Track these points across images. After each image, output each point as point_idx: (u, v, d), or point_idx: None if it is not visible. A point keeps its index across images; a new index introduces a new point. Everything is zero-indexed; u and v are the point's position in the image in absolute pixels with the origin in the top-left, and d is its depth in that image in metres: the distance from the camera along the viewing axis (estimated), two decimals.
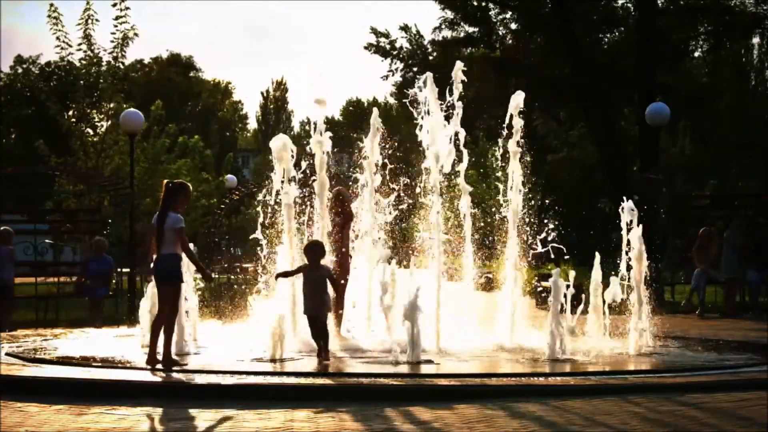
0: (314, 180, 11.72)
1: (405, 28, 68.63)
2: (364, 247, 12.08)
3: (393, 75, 67.77)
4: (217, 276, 24.36)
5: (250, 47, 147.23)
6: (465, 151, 11.96)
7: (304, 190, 11.64)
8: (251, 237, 11.88)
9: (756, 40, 44.31)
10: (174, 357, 9.51)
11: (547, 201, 11.79)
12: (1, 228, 17.52)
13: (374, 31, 66.06)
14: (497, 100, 49.31)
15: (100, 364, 9.76)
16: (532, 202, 12.17)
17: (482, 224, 12.55)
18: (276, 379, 8.67)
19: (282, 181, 11.42)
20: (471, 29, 42.33)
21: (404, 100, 13.41)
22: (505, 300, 11.85)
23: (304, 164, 11.63)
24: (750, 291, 18.95)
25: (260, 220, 11.64)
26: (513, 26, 38.54)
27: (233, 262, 28.29)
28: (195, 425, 6.94)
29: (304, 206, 11.69)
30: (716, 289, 19.20)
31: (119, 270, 19.91)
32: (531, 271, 22.62)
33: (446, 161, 11.65)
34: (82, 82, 26.44)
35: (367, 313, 12.04)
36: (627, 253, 11.20)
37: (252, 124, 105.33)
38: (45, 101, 27.83)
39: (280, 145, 11.62)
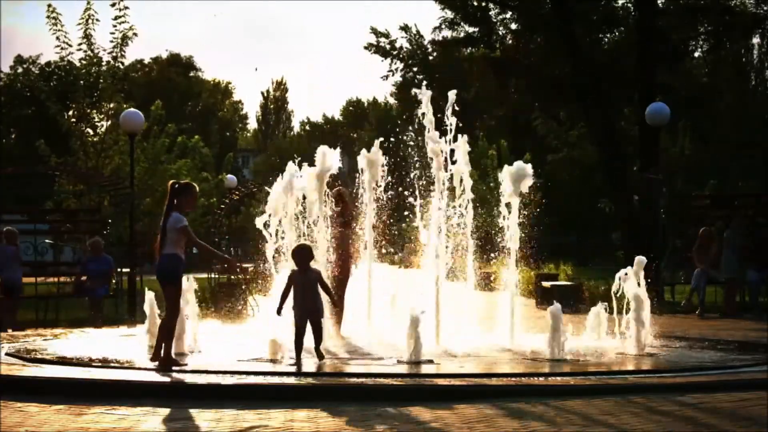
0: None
1: (405, 28, 68.73)
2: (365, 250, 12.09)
3: (393, 75, 67.83)
4: (216, 276, 24.43)
5: (250, 47, 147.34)
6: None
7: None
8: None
9: (756, 40, 44.37)
10: (174, 357, 9.51)
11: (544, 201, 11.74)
12: (6, 228, 17.59)
13: (374, 31, 66.17)
14: (497, 100, 49.47)
15: (100, 364, 9.75)
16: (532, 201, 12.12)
17: (483, 224, 12.55)
18: (276, 379, 8.67)
19: None
20: (471, 29, 42.30)
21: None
22: (505, 300, 11.85)
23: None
24: (750, 291, 18.95)
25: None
26: (513, 26, 38.51)
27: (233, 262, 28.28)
28: (195, 425, 6.94)
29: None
30: (716, 289, 19.19)
31: (119, 270, 19.89)
32: (531, 271, 22.68)
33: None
34: (82, 82, 26.44)
35: (367, 313, 12.05)
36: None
37: (252, 124, 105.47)
38: (45, 101, 27.82)
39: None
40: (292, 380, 8.63)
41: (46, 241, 20.90)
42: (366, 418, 7.04)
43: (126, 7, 25.58)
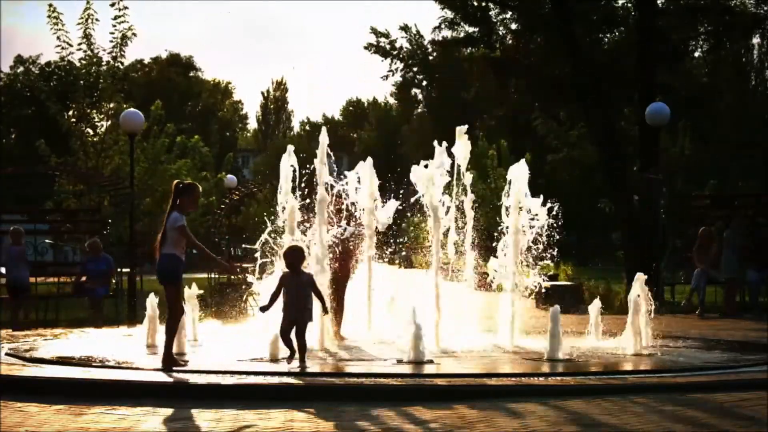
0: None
1: (405, 28, 68.76)
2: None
3: (393, 75, 67.88)
4: (216, 276, 24.43)
5: (250, 47, 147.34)
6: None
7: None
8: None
9: (756, 40, 44.37)
10: (174, 357, 9.51)
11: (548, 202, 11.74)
12: (12, 227, 17.67)
13: (374, 31, 66.20)
14: (497, 100, 49.48)
15: (100, 364, 9.76)
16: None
17: (483, 224, 12.55)
18: (276, 379, 8.66)
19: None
20: (471, 29, 42.27)
21: None
22: (505, 300, 11.85)
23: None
24: (750, 291, 18.95)
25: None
26: (513, 26, 38.48)
27: (233, 262, 28.31)
28: (195, 425, 6.94)
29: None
30: (716, 289, 19.20)
31: (119, 270, 19.90)
32: (531, 271, 22.66)
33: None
34: (82, 82, 26.45)
35: (367, 313, 12.06)
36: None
37: (252, 124, 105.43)
38: (45, 101, 27.83)
39: None
40: (292, 380, 8.62)
41: (46, 241, 20.92)
42: (366, 418, 7.04)
43: (125, 7, 25.62)
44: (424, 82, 69.29)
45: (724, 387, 8.23)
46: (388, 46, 65.24)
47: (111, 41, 25.90)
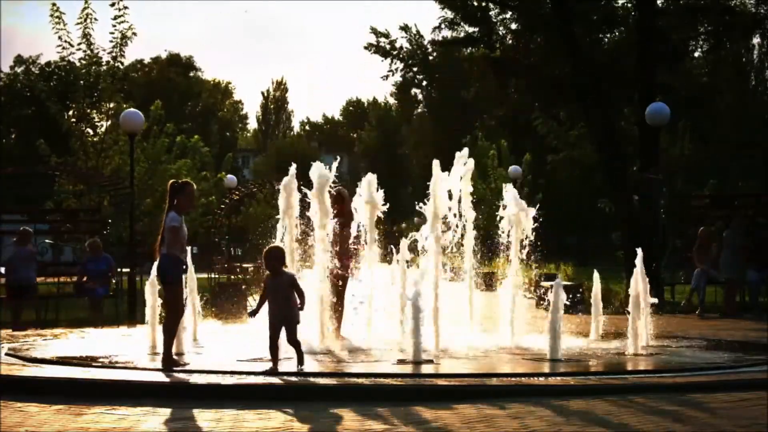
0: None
1: (405, 28, 68.80)
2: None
3: (393, 75, 67.91)
4: (217, 276, 24.43)
5: (250, 47, 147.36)
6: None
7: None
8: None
9: (756, 40, 44.36)
10: (174, 357, 9.51)
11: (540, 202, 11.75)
12: (22, 228, 17.76)
13: (374, 31, 66.27)
14: (497, 100, 49.48)
15: (100, 364, 9.76)
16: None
17: (483, 224, 12.55)
18: (276, 379, 8.66)
19: None
20: (471, 29, 42.34)
21: None
22: (505, 300, 11.85)
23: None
24: (750, 291, 18.95)
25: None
26: (513, 26, 38.51)
27: (233, 262, 28.34)
28: (195, 425, 6.94)
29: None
30: (716, 289, 19.19)
31: (119, 270, 19.90)
32: (531, 271, 22.66)
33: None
34: (82, 82, 26.45)
35: (367, 313, 12.05)
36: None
37: (252, 124, 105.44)
38: (45, 101, 27.84)
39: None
40: (291, 380, 8.62)
41: (46, 241, 20.92)
42: (366, 418, 7.04)
43: (125, 7, 25.63)
44: (424, 82, 69.33)
45: (724, 387, 8.23)
46: (388, 46, 65.30)
47: (111, 41, 25.93)
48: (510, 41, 38.73)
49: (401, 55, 66.34)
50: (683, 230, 21.48)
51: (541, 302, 13.12)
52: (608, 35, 38.99)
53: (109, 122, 27.41)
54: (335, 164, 11.62)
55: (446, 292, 11.57)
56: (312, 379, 8.73)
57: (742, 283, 18.68)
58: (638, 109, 27.23)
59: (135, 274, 19.99)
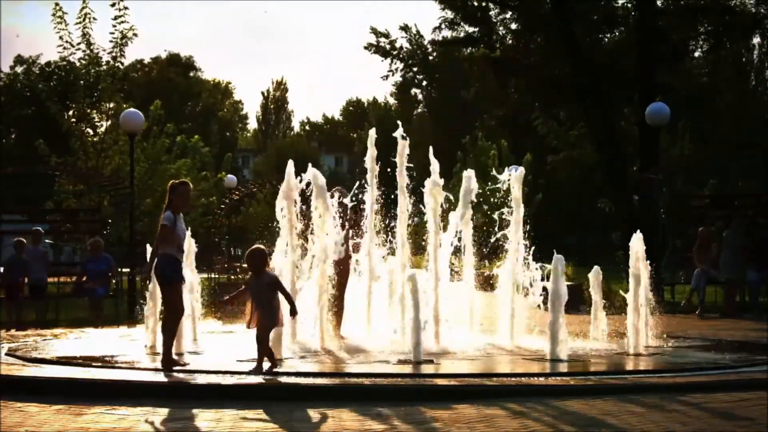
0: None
1: (405, 28, 68.75)
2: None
3: (393, 75, 67.84)
4: (217, 276, 24.43)
5: (250, 47, 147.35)
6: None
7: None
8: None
9: (756, 40, 44.36)
10: (174, 357, 9.51)
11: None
12: (34, 228, 17.88)
13: (374, 31, 66.21)
14: (497, 100, 49.47)
15: (100, 364, 9.77)
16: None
17: (483, 223, 12.54)
18: (276, 379, 8.66)
19: None
20: (471, 29, 42.31)
21: None
22: (504, 300, 11.85)
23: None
24: (750, 291, 18.94)
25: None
26: (513, 26, 38.53)
27: (233, 262, 28.35)
28: (195, 425, 6.94)
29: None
30: (716, 289, 19.19)
31: (119, 270, 19.91)
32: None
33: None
34: (82, 82, 26.46)
35: (367, 313, 12.05)
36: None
37: (252, 124, 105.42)
38: (45, 101, 27.86)
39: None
40: (291, 380, 8.63)
41: (46, 241, 20.92)
42: (366, 418, 7.04)
43: (126, 8, 25.64)
44: (424, 82, 69.34)
45: (724, 387, 8.23)
46: (388, 46, 65.26)
47: (111, 41, 25.94)
48: (510, 41, 38.74)
49: (401, 55, 66.31)
50: (683, 230, 21.48)
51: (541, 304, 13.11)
52: (608, 35, 38.99)
53: (109, 122, 27.43)
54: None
55: (446, 292, 11.58)
56: (312, 379, 8.73)
57: (742, 283, 18.68)
58: (638, 109, 27.24)
59: (135, 274, 20.00)
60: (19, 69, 61.43)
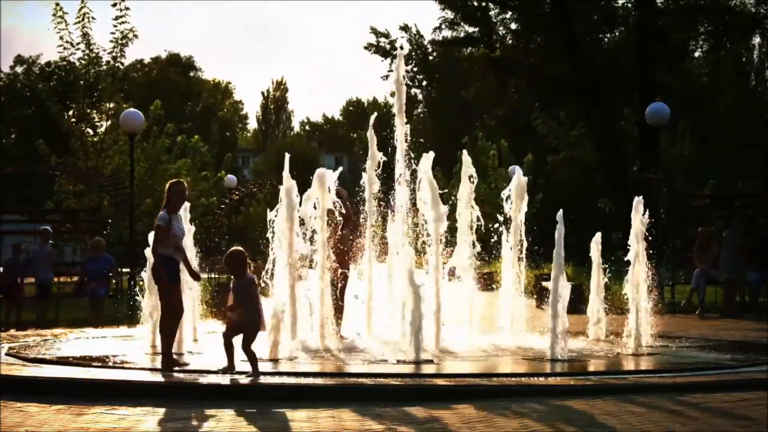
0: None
1: (405, 28, 68.74)
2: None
3: (393, 75, 67.92)
4: (217, 276, 24.42)
5: (250, 47, 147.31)
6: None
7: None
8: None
9: (756, 40, 44.31)
10: (174, 357, 9.51)
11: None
12: (43, 228, 17.92)
13: (374, 31, 66.20)
14: (497, 100, 49.46)
15: (100, 364, 9.77)
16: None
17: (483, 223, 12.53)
18: (276, 379, 8.67)
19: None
20: (471, 29, 42.35)
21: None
22: (505, 300, 11.85)
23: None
24: (750, 291, 18.94)
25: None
26: (513, 26, 38.56)
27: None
28: (195, 425, 6.94)
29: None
30: (716, 289, 19.18)
31: (120, 270, 19.90)
32: (531, 271, 22.66)
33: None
34: (82, 82, 26.46)
35: (367, 313, 12.05)
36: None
37: (252, 124, 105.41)
38: (45, 101, 27.85)
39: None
40: (292, 380, 8.63)
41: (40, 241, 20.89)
42: (366, 418, 7.04)
43: (127, 8, 25.64)
44: (424, 82, 69.34)
45: (724, 387, 8.24)
46: (388, 46, 65.22)
47: (111, 41, 25.94)
48: (510, 41, 38.78)
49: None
50: (683, 230, 21.46)
51: (542, 304, 13.13)
52: (608, 35, 39.01)
53: (109, 122, 27.44)
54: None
55: (447, 292, 11.58)
56: (312, 379, 8.73)
57: (742, 283, 18.68)
58: (638, 109, 27.25)
59: (135, 274, 20.00)
60: (19, 69, 61.42)
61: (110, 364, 9.82)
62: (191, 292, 11.86)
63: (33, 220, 20.96)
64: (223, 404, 7.58)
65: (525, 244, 12.21)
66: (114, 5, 25.57)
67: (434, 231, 11.48)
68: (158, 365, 9.36)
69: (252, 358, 8.86)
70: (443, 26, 48.74)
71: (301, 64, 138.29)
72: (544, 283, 20.71)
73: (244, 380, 8.50)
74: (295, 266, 11.08)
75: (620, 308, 11.44)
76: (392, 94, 12.49)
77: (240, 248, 9.37)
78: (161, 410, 7.45)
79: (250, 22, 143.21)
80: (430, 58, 67.71)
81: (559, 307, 10.24)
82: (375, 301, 12.08)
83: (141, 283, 11.23)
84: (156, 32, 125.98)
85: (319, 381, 8.67)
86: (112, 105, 27.26)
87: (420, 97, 72.17)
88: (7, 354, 10.64)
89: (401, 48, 12.24)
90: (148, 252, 10.45)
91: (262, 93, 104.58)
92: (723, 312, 17.99)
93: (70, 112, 28.15)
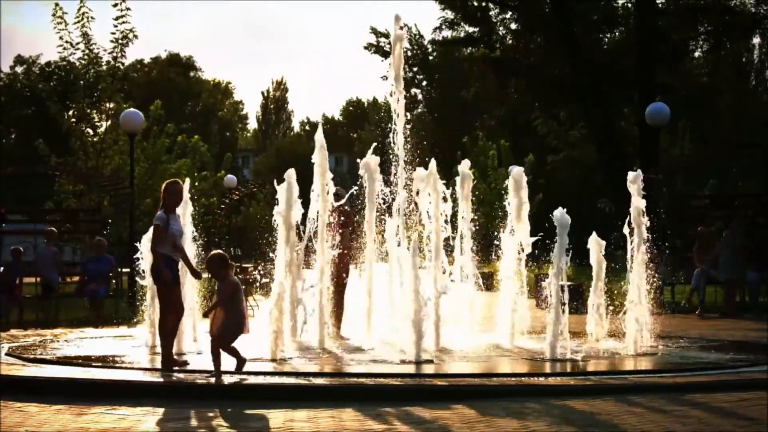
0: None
1: (405, 28, 68.93)
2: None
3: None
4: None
5: (250, 47, 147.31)
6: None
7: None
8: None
9: (756, 40, 44.33)
10: (174, 357, 9.51)
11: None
12: (48, 228, 17.92)
13: (374, 31, 66.21)
14: (497, 100, 49.47)
15: (100, 364, 9.76)
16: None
17: (483, 223, 12.55)
18: (276, 379, 8.67)
19: None
20: (471, 29, 42.34)
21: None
22: (505, 300, 11.85)
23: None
24: (750, 291, 18.93)
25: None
26: (513, 26, 38.56)
27: (233, 262, 28.34)
28: (195, 425, 6.94)
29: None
30: (716, 289, 19.18)
31: (120, 270, 19.89)
32: (531, 271, 22.65)
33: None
34: (82, 82, 26.46)
35: (367, 313, 12.04)
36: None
37: (252, 124, 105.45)
38: (45, 101, 27.87)
39: None
40: (292, 380, 8.63)
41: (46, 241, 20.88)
42: (366, 418, 7.04)
43: (128, 8, 25.65)
44: (424, 82, 69.35)
45: (724, 387, 8.24)
46: (388, 47, 65.27)
47: (111, 41, 25.95)
48: (510, 41, 38.77)
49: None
50: (683, 230, 21.45)
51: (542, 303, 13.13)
52: (608, 35, 39.01)
53: (109, 122, 27.44)
54: None
55: (446, 292, 11.57)
56: (312, 379, 8.72)
57: (742, 283, 18.67)
58: (638, 109, 27.25)
59: (135, 274, 19.99)
60: (19, 69, 61.40)
61: (110, 364, 9.82)
62: (192, 291, 11.84)
63: (33, 220, 20.95)
64: (223, 404, 7.58)
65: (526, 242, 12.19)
66: (115, 5, 25.61)
67: (435, 235, 11.50)
68: (158, 365, 9.36)
69: (217, 361, 8.71)
70: (443, 26, 48.73)
71: (301, 64, 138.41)
72: (544, 284, 20.77)
73: (245, 379, 8.50)
74: (294, 266, 11.09)
75: (620, 308, 11.43)
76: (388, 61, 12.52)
77: (220, 251, 9.34)
78: (161, 410, 7.45)
79: (250, 22, 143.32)
80: (430, 58, 67.73)
81: (559, 307, 10.22)
82: (375, 302, 12.09)
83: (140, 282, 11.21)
84: (156, 32, 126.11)
85: (319, 381, 8.67)
86: (112, 105, 27.27)
87: (420, 97, 72.22)
88: (7, 354, 10.63)
89: (397, 19, 12.13)
90: (141, 245, 10.88)
91: (262, 93, 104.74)
92: (723, 312, 17.98)
93: (70, 112, 28.16)
